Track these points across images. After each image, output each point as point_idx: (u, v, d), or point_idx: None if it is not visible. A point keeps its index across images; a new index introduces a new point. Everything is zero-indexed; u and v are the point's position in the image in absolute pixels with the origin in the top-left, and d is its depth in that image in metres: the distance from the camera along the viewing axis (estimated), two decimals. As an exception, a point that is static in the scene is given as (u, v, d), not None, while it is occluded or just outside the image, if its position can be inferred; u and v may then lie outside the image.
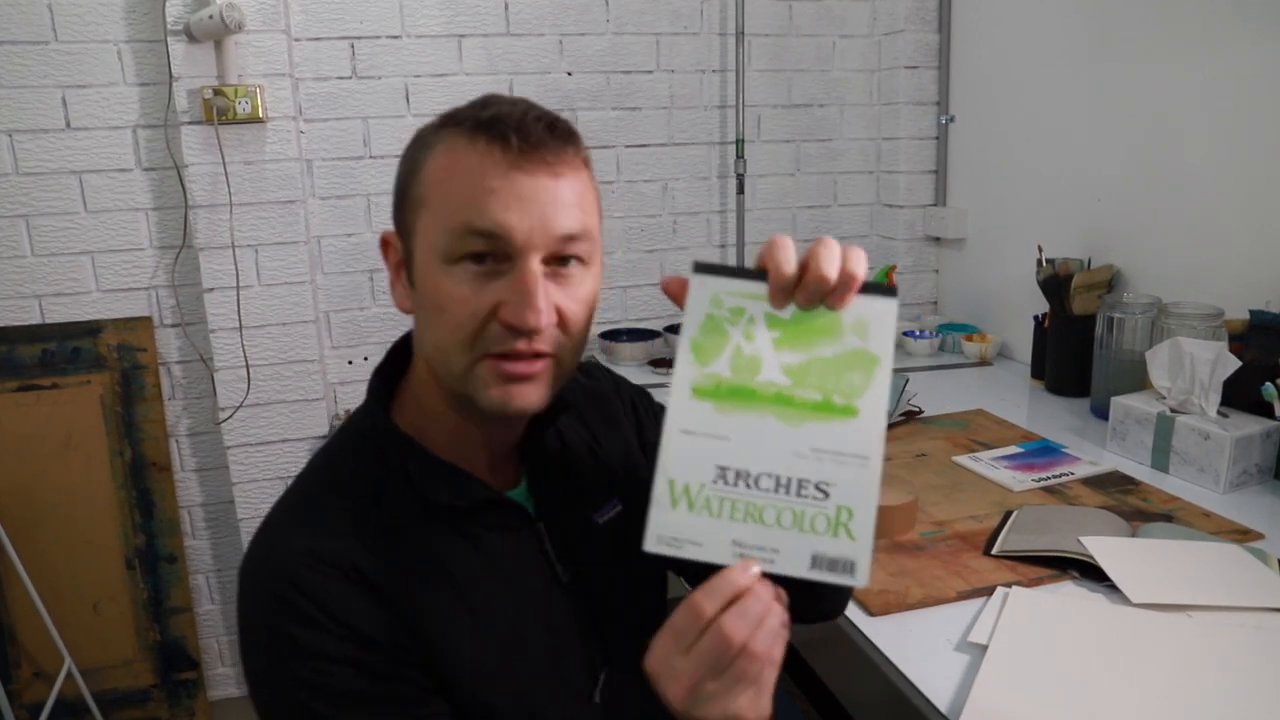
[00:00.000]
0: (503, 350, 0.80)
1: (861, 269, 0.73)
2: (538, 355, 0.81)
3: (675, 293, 0.76)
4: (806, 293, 0.73)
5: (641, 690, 0.76)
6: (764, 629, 0.70)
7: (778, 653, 0.71)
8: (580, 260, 0.83)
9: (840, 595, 1.06)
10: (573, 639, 0.93)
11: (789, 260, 0.73)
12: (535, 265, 0.79)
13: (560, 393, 0.87)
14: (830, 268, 0.72)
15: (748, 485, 0.73)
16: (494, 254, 0.79)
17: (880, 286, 0.75)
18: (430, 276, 0.80)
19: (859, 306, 0.75)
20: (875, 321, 0.75)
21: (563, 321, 0.81)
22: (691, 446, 0.74)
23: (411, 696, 0.81)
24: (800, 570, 0.72)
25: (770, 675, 0.71)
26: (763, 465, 0.73)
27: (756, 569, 0.71)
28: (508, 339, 0.79)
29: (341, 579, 0.80)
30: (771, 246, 0.74)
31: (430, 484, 0.86)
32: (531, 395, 0.83)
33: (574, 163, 0.82)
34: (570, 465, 0.99)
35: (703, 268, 0.76)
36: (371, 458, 0.88)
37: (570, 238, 0.80)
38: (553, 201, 0.79)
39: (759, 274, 0.76)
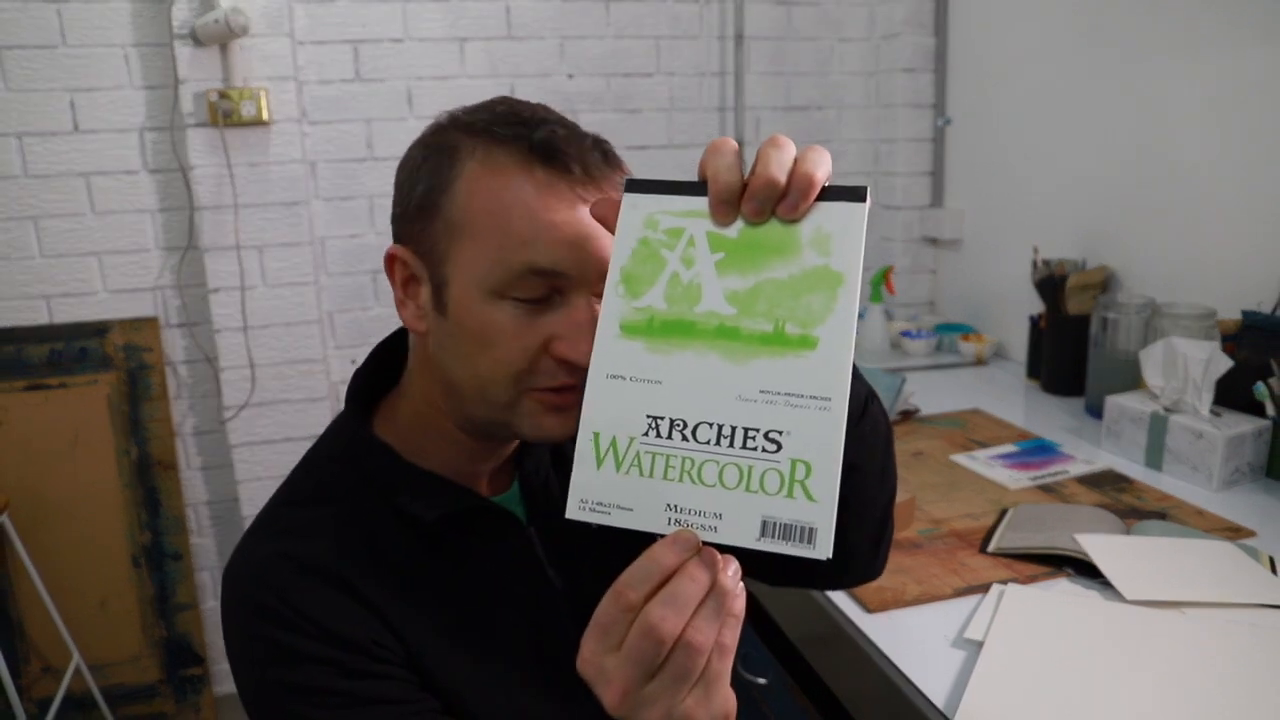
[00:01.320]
0: (551, 384, 0.77)
1: (822, 170, 0.61)
2: (577, 385, 0.77)
3: (604, 216, 0.67)
4: (754, 202, 0.62)
5: None
6: (702, 615, 0.59)
7: (729, 638, 0.60)
8: None
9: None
10: (567, 643, 0.91)
11: (730, 165, 0.64)
12: (590, 301, 0.76)
13: None
14: (779, 170, 0.62)
15: (684, 437, 0.61)
16: (549, 290, 0.75)
17: (848, 190, 0.62)
18: (474, 309, 0.75)
19: (820, 215, 0.62)
20: (839, 233, 0.62)
21: None
22: (618, 394, 0.63)
23: (397, 695, 0.78)
24: (747, 539, 0.60)
25: (721, 666, 0.61)
26: (702, 413, 0.61)
27: (691, 540, 0.60)
28: (559, 373, 0.77)
29: (320, 582, 0.78)
30: (710, 151, 0.65)
31: (406, 497, 0.83)
32: (569, 424, 0.79)
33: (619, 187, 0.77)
34: (563, 467, 0.98)
35: (635, 184, 0.67)
36: (351, 467, 0.85)
37: None
38: (606, 234, 0.72)
39: (699, 186, 0.65)
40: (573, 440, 0.77)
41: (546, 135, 0.74)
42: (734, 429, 0.60)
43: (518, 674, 0.86)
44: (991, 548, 1.32)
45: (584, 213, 0.73)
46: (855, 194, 0.62)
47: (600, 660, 0.60)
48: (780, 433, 0.60)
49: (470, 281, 0.75)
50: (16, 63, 2.18)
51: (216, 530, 2.55)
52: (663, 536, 0.60)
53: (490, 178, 0.75)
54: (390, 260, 0.81)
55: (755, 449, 0.60)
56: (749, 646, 1.60)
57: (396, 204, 0.81)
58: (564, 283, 0.75)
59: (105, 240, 2.32)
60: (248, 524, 0.87)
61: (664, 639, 0.57)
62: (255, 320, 2.33)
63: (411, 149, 0.81)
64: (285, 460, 2.40)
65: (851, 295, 0.61)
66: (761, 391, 0.61)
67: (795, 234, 0.62)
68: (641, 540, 0.75)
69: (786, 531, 0.59)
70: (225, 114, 2.18)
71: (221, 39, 2.15)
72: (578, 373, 0.75)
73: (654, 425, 0.62)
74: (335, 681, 0.76)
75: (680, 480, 0.61)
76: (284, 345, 2.37)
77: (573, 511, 0.63)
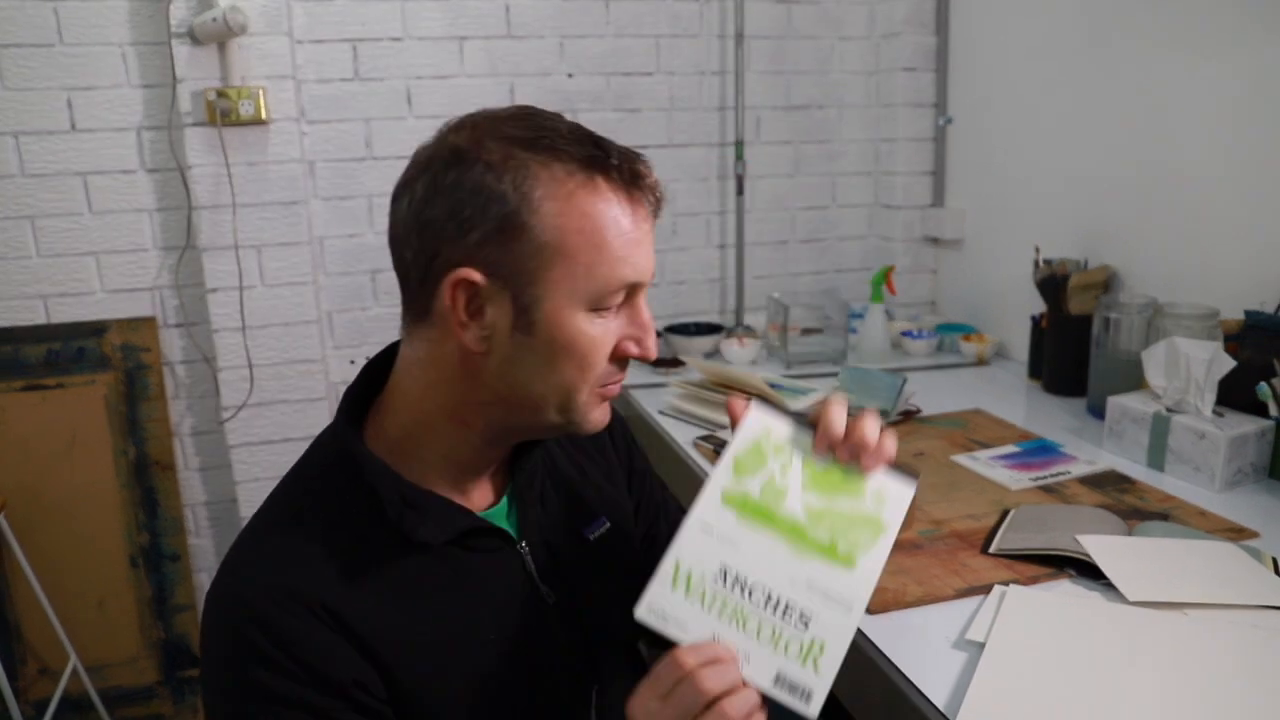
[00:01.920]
0: (613, 380, 0.87)
1: (893, 449, 0.85)
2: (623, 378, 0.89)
3: (735, 413, 0.87)
4: (847, 447, 0.84)
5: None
6: (737, 695, 0.73)
7: None
8: None
9: None
10: (560, 659, 0.92)
11: (840, 419, 0.84)
12: (645, 302, 0.87)
13: None
14: (872, 434, 0.84)
15: (743, 592, 0.80)
16: (623, 298, 0.84)
17: (904, 470, 0.87)
18: (568, 324, 0.80)
19: (883, 480, 0.86)
20: (893, 499, 0.86)
21: None
22: (705, 542, 0.81)
23: None
24: (763, 682, 0.78)
25: None
26: (761, 580, 0.81)
27: (734, 655, 0.77)
28: (617, 370, 0.87)
29: (306, 616, 0.78)
30: (828, 404, 0.85)
31: (409, 517, 0.83)
32: (610, 412, 0.92)
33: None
34: (559, 485, 0.99)
35: (764, 405, 0.88)
36: (342, 482, 0.85)
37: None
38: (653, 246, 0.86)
39: (810, 425, 0.86)
40: (541, 448, 1.00)
41: (620, 160, 0.82)
42: (780, 600, 0.81)
43: (508, 688, 0.87)
44: (993, 549, 1.31)
45: (648, 228, 0.85)
46: (910, 477, 0.87)
47: (648, 704, 0.74)
48: (811, 616, 0.80)
49: (566, 299, 0.80)
50: (13, 61, 2.17)
51: (215, 531, 2.55)
52: None
53: (582, 202, 0.79)
54: (455, 284, 0.79)
55: (791, 621, 0.80)
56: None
57: (450, 222, 0.79)
58: (636, 289, 0.85)
59: (103, 240, 2.32)
60: (240, 537, 0.87)
61: (705, 695, 0.72)
62: (254, 320, 2.32)
63: (471, 169, 0.78)
64: (284, 460, 2.37)
65: (887, 544, 0.84)
66: (808, 582, 0.81)
67: (863, 486, 0.85)
68: (627, 569, 0.97)
69: (792, 688, 0.79)
70: (223, 113, 2.18)
71: (220, 38, 2.14)
72: (628, 368, 0.88)
73: (723, 575, 0.81)
74: None
75: (730, 622, 0.79)
76: (283, 345, 2.36)
77: (641, 613, 0.79)
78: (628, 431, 1.15)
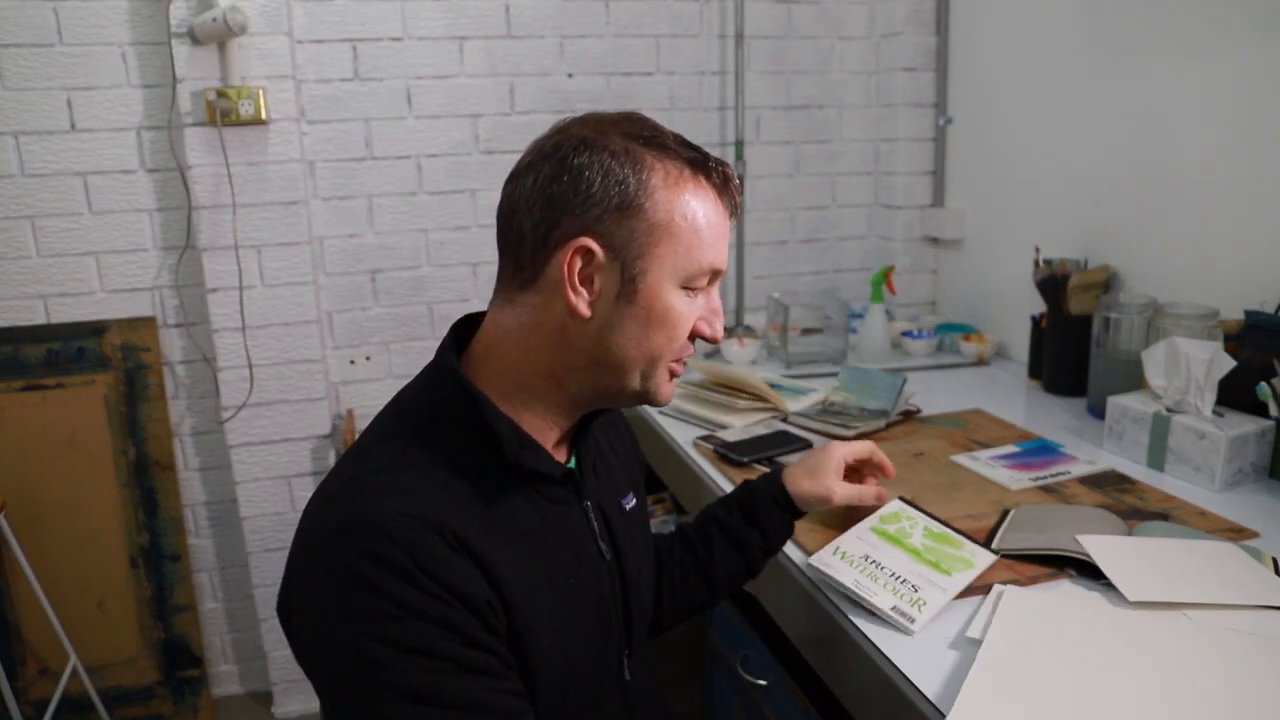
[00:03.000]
0: (684, 356, 0.97)
1: None
2: None
3: (881, 499, 1.34)
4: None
5: (649, 671, 0.80)
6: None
7: None
8: None
9: (757, 556, 1.26)
10: (614, 614, 1.02)
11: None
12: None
13: None
14: None
15: (878, 567, 1.22)
16: (709, 282, 0.96)
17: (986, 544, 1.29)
18: (666, 297, 0.91)
19: (974, 547, 1.28)
20: (980, 557, 1.26)
21: None
22: (856, 542, 1.26)
23: (500, 669, 0.84)
24: (883, 605, 1.16)
25: None
26: (890, 565, 1.22)
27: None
28: (689, 348, 0.97)
29: (439, 541, 0.82)
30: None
31: (523, 455, 0.91)
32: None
33: None
34: (601, 457, 1.09)
35: (906, 502, 1.34)
36: (458, 421, 0.91)
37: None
38: None
39: (929, 515, 1.34)
40: (608, 430, 1.16)
41: (717, 165, 0.94)
42: (901, 576, 1.20)
43: (581, 633, 0.96)
44: (993, 548, 1.31)
45: (730, 227, 0.97)
46: (990, 553, 1.26)
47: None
48: (919, 588, 1.18)
49: (666, 274, 0.91)
50: (13, 61, 2.18)
51: (215, 531, 2.55)
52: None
53: (688, 193, 0.91)
54: (575, 251, 0.89)
55: (906, 586, 1.18)
56: (749, 649, 1.60)
57: (576, 198, 0.89)
58: (717, 278, 0.97)
59: (103, 240, 2.32)
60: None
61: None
62: (254, 320, 2.32)
63: (599, 154, 0.89)
64: (284, 461, 2.39)
65: (972, 575, 1.22)
66: (919, 574, 1.20)
67: (962, 545, 1.28)
68: (647, 545, 1.06)
69: (900, 614, 1.15)
70: (223, 113, 2.18)
71: (220, 37, 2.14)
72: (693, 347, 0.98)
73: (866, 558, 1.24)
74: (448, 645, 0.80)
75: (867, 577, 1.20)
76: (282, 345, 2.36)
77: (813, 560, 1.25)
78: (632, 434, 1.25)
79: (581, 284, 0.90)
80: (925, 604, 1.14)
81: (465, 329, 0.99)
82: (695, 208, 0.91)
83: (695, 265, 0.92)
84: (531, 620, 0.88)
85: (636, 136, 0.91)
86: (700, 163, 0.93)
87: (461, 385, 0.92)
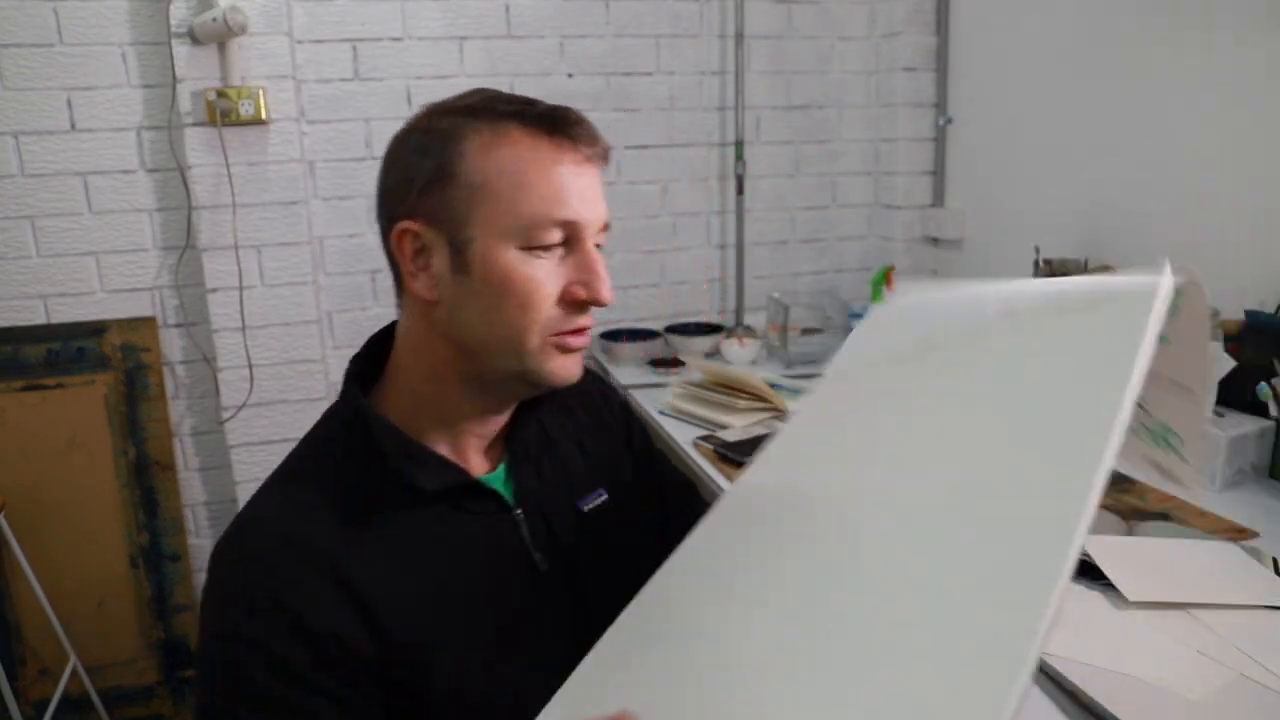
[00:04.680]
0: (569, 327, 0.86)
1: None
2: (588, 327, 0.89)
3: None
4: None
5: None
6: None
7: None
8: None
9: None
10: (551, 628, 0.94)
11: None
12: (594, 248, 0.87)
13: None
14: None
15: None
16: (562, 241, 0.85)
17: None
18: (500, 262, 0.83)
19: None
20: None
21: None
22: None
23: (321, 711, 0.80)
24: None
25: None
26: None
27: None
28: (574, 317, 0.86)
29: (303, 562, 0.81)
30: None
31: (407, 466, 0.87)
32: (580, 367, 0.90)
33: (605, 157, 0.89)
34: (554, 455, 1.02)
35: None
36: (350, 442, 0.89)
37: (606, 225, 0.89)
38: (599, 193, 0.87)
39: None
40: (537, 419, 0.98)
41: (547, 109, 0.85)
42: None
43: (500, 652, 0.89)
44: (993, 549, 1.31)
45: (586, 172, 0.85)
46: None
47: None
48: None
49: (496, 236, 0.83)
50: (13, 61, 2.17)
51: (215, 531, 2.54)
52: None
53: (504, 145, 0.83)
54: (400, 236, 0.86)
55: None
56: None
57: (395, 184, 0.87)
58: (574, 235, 0.85)
59: (103, 240, 2.31)
60: (251, 497, 0.90)
61: None
62: (254, 320, 2.32)
63: (406, 135, 0.88)
64: (283, 461, 2.39)
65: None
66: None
67: None
68: (623, 543, 0.90)
69: None
70: (223, 113, 2.18)
71: (219, 37, 2.14)
72: (588, 316, 0.87)
73: None
74: (277, 686, 0.78)
75: None
76: (283, 345, 2.36)
77: None
78: (630, 413, 1.17)
79: (420, 269, 0.86)
80: None
81: (388, 340, 0.96)
82: (515, 159, 0.83)
83: (527, 219, 0.83)
84: (422, 643, 0.84)
85: (457, 108, 0.87)
86: (522, 113, 0.85)
87: (353, 405, 0.90)
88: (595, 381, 1.15)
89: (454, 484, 0.89)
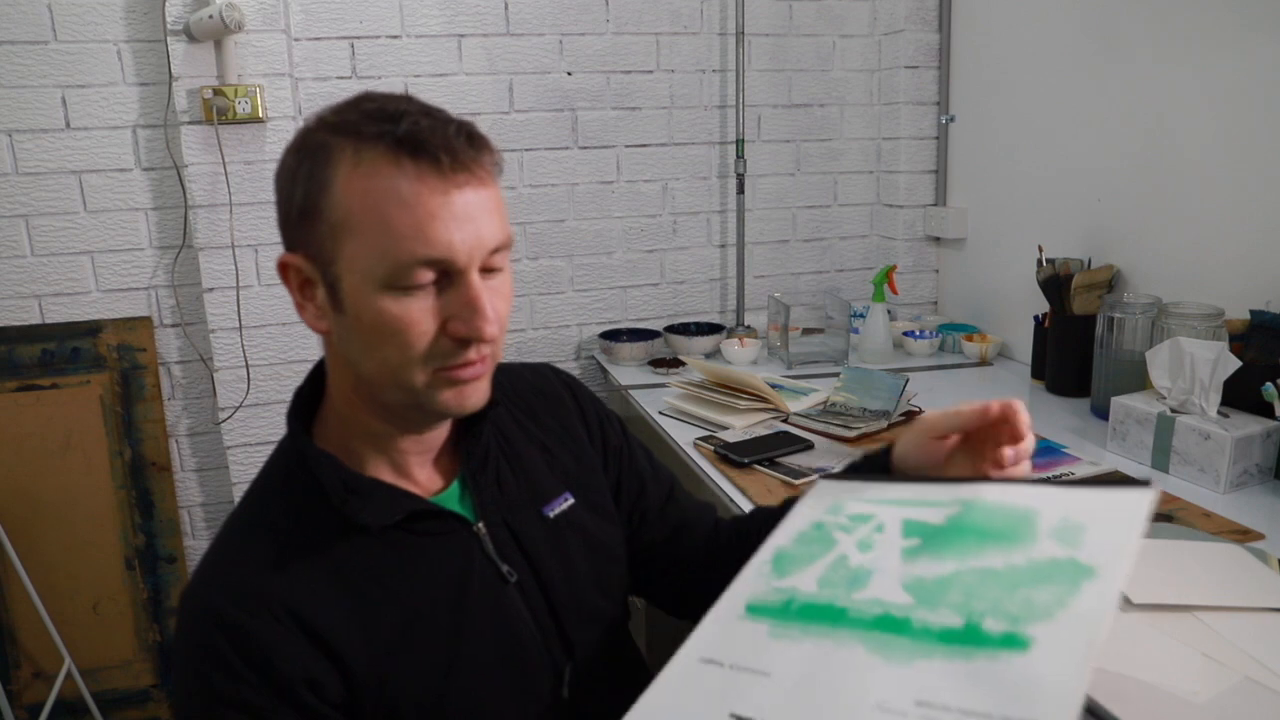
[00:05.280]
0: (456, 361, 0.81)
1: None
2: (482, 358, 0.83)
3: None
4: (1013, 427, 0.77)
5: (608, 681, 0.74)
6: None
7: None
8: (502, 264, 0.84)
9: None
10: (525, 636, 0.92)
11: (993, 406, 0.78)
12: (477, 279, 0.79)
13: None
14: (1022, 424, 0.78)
15: None
16: (437, 276, 0.78)
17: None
18: (371, 304, 0.78)
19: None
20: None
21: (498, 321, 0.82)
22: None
23: None
24: None
25: None
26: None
27: None
28: (459, 351, 0.81)
29: (265, 615, 0.80)
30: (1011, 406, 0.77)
31: (352, 503, 0.85)
32: (481, 393, 0.85)
33: (492, 169, 0.81)
34: (514, 463, 0.99)
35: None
36: (295, 483, 0.87)
37: (499, 248, 0.81)
38: (483, 214, 0.79)
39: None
40: (490, 425, 0.93)
41: (410, 128, 0.76)
42: None
43: (478, 669, 0.88)
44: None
45: (457, 198, 0.77)
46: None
47: None
48: None
49: (361, 278, 0.78)
50: (7, 58, 2.16)
51: (211, 533, 2.53)
52: None
53: (364, 177, 0.76)
54: (283, 268, 0.83)
55: None
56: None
57: (279, 213, 0.84)
58: (450, 267, 0.78)
59: (98, 239, 2.30)
60: (209, 545, 0.89)
61: None
62: (250, 320, 2.31)
63: (285, 156, 0.83)
64: (280, 461, 2.37)
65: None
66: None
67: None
68: (593, 545, 0.87)
69: None
70: (220, 111, 2.16)
71: (216, 35, 2.12)
72: (478, 348, 0.81)
73: None
74: None
75: None
76: (279, 345, 2.34)
77: None
78: (600, 408, 1.13)
79: (305, 299, 0.83)
80: None
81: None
82: (376, 192, 0.76)
83: (393, 262, 0.76)
84: (389, 676, 0.83)
85: (329, 123, 0.80)
86: (385, 135, 0.76)
87: (293, 442, 0.89)
88: (557, 377, 1.13)
89: (404, 513, 0.87)
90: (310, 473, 0.86)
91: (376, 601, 0.84)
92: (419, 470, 0.93)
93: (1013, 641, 0.44)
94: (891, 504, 0.56)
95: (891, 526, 0.54)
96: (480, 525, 0.92)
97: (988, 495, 0.56)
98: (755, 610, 0.52)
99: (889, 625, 0.47)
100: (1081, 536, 0.50)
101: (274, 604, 0.80)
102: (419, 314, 0.78)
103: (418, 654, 0.85)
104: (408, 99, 0.81)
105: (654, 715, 0.50)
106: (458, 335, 0.79)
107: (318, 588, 0.82)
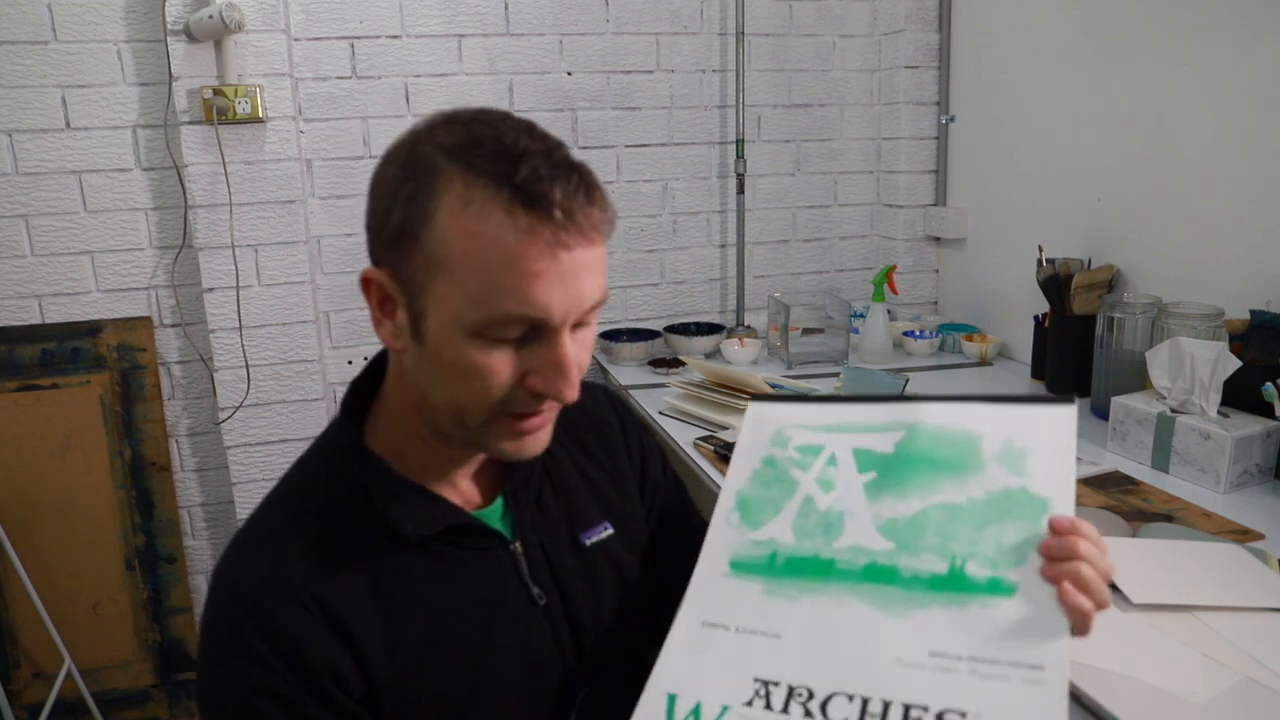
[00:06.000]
0: (527, 411, 0.80)
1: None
2: (551, 408, 0.82)
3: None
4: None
5: (620, 707, 0.73)
6: None
7: None
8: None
9: None
10: (546, 660, 0.92)
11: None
12: (567, 339, 0.77)
13: None
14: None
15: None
16: (527, 330, 0.76)
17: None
18: (454, 346, 0.75)
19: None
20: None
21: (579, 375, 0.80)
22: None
23: None
24: None
25: None
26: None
27: None
28: (532, 402, 0.79)
29: (296, 607, 0.80)
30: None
31: (394, 509, 0.84)
32: (541, 443, 0.84)
33: (603, 228, 0.77)
34: (557, 485, 0.98)
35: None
36: (341, 478, 0.87)
37: (595, 306, 0.78)
38: (586, 273, 0.75)
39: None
40: (560, 448, 0.86)
41: (528, 175, 0.71)
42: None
43: (501, 686, 0.87)
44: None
45: (565, 258, 0.73)
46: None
47: None
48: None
49: (449, 319, 0.75)
50: (7, 58, 2.16)
51: (211, 533, 2.53)
52: None
53: (472, 219, 0.72)
54: (366, 283, 0.80)
55: None
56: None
57: (371, 223, 0.79)
58: (544, 325, 0.75)
59: (98, 239, 2.30)
60: (242, 527, 0.89)
61: None
62: (250, 320, 2.31)
63: (388, 164, 0.78)
64: (281, 462, 2.37)
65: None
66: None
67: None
68: (626, 577, 0.83)
69: None
70: (220, 111, 2.16)
71: (216, 35, 2.12)
72: (552, 404, 0.79)
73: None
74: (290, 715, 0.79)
75: None
76: (280, 345, 2.34)
77: None
78: (644, 438, 1.11)
79: (385, 315, 0.80)
80: None
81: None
82: (481, 237, 0.71)
83: (485, 312, 0.73)
84: (410, 684, 0.83)
85: (445, 146, 0.75)
86: (502, 178, 0.72)
87: (343, 438, 0.88)
88: (613, 405, 1.10)
89: (442, 526, 0.86)
90: (354, 469, 0.86)
91: (407, 609, 0.84)
92: (463, 481, 0.92)
93: (998, 587, 0.47)
94: (836, 431, 0.55)
95: (844, 458, 0.54)
96: (517, 545, 0.91)
97: (926, 417, 0.56)
98: (740, 567, 0.53)
99: (878, 575, 0.48)
100: (1025, 463, 0.51)
101: (304, 594, 0.80)
102: (500, 364, 0.76)
103: (442, 667, 0.84)
104: (528, 130, 0.76)
105: (676, 682, 0.51)
106: (536, 390, 0.77)
107: (349, 585, 0.82)
